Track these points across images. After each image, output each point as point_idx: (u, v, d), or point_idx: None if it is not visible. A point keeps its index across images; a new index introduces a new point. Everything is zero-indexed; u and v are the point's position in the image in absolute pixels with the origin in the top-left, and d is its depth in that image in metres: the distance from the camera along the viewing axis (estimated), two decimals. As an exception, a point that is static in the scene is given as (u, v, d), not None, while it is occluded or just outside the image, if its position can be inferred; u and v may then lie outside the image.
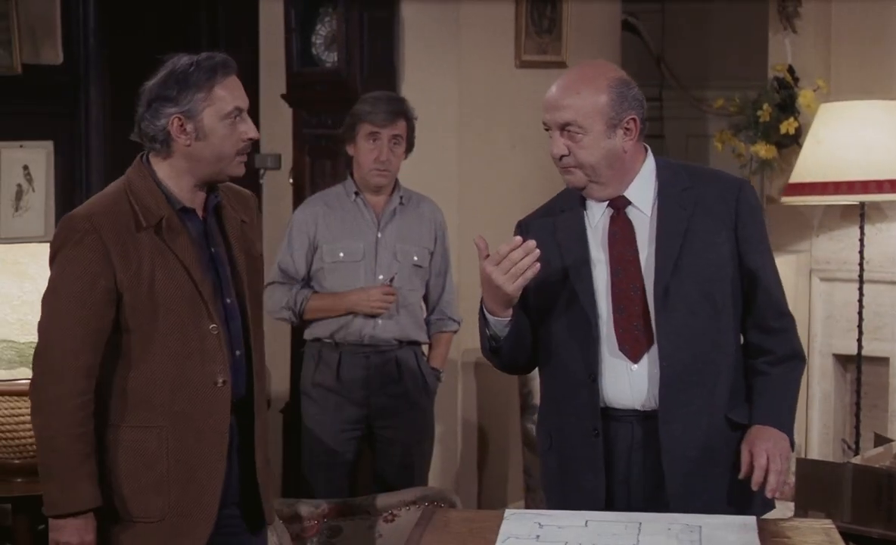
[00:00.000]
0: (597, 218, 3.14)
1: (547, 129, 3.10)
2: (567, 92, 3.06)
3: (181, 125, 3.02)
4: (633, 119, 3.07)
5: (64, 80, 5.53)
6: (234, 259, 3.15)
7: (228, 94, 3.05)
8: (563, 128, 3.06)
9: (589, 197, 3.13)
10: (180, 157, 3.06)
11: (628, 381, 3.08)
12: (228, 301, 3.12)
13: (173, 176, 3.07)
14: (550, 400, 3.22)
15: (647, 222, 3.11)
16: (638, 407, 3.08)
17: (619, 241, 3.10)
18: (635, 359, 3.07)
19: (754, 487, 2.99)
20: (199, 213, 3.12)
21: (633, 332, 3.07)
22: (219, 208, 3.16)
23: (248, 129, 3.09)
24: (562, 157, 3.07)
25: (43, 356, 3.03)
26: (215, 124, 3.03)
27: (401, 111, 4.49)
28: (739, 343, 3.15)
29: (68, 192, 5.56)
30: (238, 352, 3.13)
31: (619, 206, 3.12)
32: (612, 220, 3.12)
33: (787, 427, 3.09)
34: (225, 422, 3.09)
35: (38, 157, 5.45)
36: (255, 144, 4.03)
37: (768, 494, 2.99)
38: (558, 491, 3.18)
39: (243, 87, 3.13)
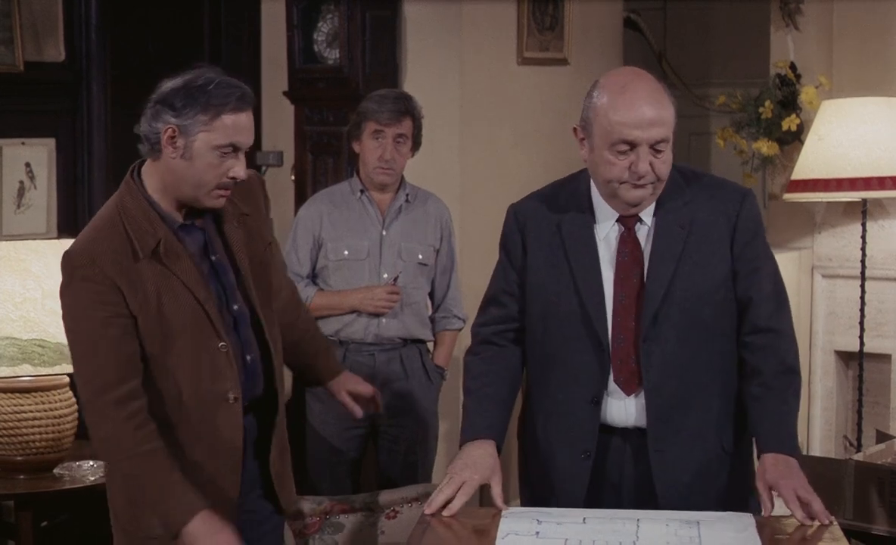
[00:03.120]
0: (604, 231, 3.02)
1: (628, 147, 2.89)
2: (659, 107, 2.91)
3: (172, 137, 2.91)
4: None
5: (66, 77, 5.52)
6: (238, 263, 3.07)
7: (231, 127, 2.91)
8: (654, 144, 2.89)
9: (637, 211, 2.98)
10: (164, 168, 2.95)
11: (624, 407, 3.02)
12: (236, 307, 3.06)
13: (160, 189, 2.97)
14: (538, 411, 3.16)
15: (647, 236, 3.00)
16: (630, 425, 3.02)
17: (626, 265, 2.99)
18: (629, 392, 3.00)
19: (805, 522, 2.83)
20: (196, 222, 3.03)
21: (630, 364, 2.99)
22: (215, 213, 3.05)
23: (235, 167, 2.95)
24: (646, 174, 2.91)
25: (85, 400, 2.96)
26: (205, 151, 2.91)
27: (406, 110, 4.47)
28: (735, 363, 3.05)
29: (70, 189, 5.55)
30: (249, 357, 3.08)
31: (629, 225, 3.00)
32: (623, 240, 3.00)
33: (793, 448, 2.98)
34: (238, 437, 3.05)
35: (39, 154, 5.44)
36: (256, 141, 4.00)
37: (825, 521, 2.83)
38: (537, 498, 3.13)
39: (254, 120, 3.00)
